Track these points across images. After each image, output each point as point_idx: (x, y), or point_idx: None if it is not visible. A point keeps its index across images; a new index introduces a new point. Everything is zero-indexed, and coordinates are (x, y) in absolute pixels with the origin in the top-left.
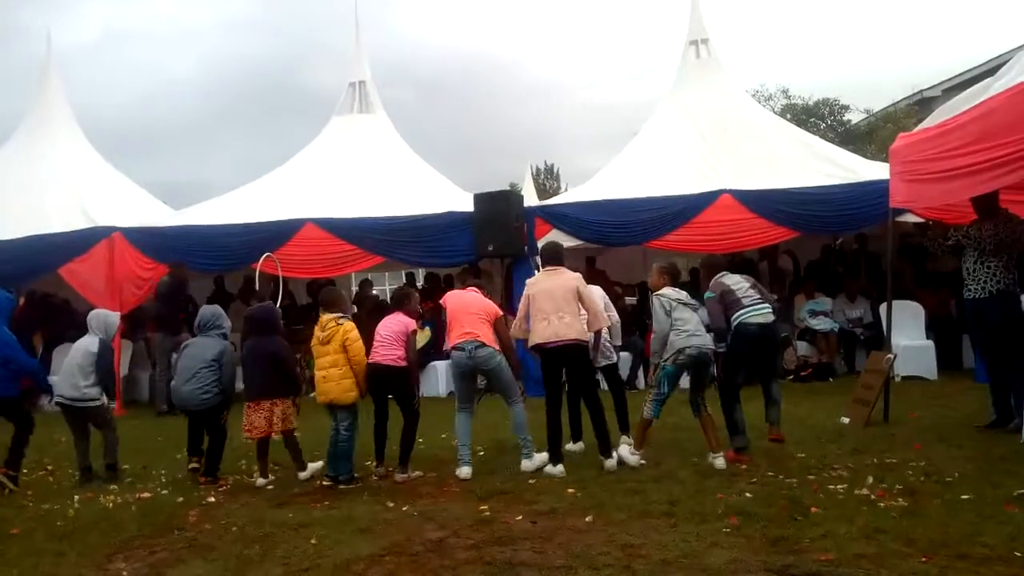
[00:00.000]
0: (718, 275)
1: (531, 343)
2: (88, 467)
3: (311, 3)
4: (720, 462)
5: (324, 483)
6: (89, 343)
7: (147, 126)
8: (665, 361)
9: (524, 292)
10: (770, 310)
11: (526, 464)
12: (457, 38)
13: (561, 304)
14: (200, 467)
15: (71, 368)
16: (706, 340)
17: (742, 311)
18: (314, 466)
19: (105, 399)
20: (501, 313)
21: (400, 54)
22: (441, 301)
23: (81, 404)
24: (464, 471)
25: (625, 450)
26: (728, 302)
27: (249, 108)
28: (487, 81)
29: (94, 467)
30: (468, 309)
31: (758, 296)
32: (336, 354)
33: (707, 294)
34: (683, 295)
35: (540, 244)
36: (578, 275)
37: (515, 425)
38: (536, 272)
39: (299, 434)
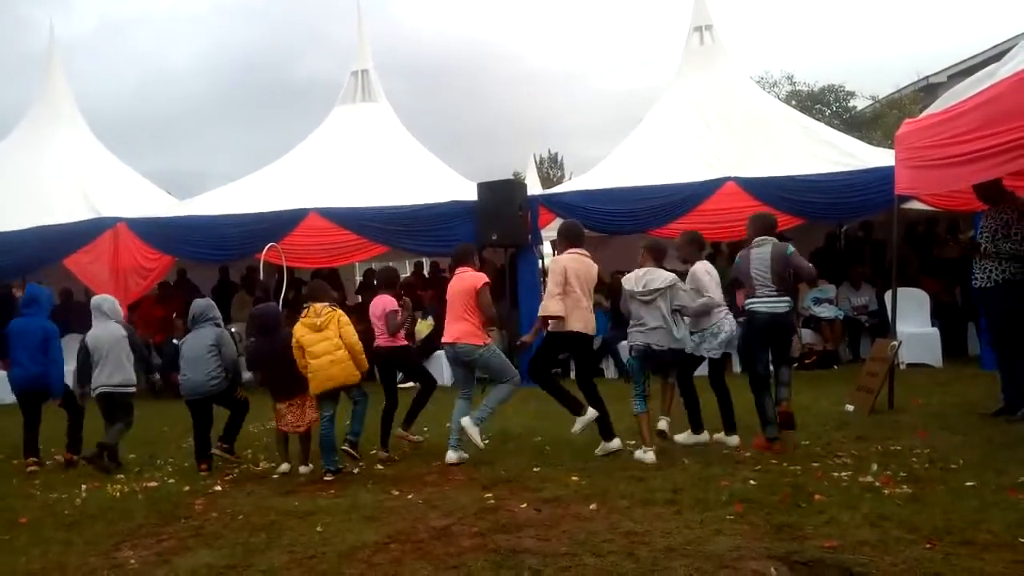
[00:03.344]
0: (762, 241)
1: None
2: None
3: None
4: (649, 456)
5: (344, 447)
6: (115, 329)
7: (145, 116)
8: (631, 355)
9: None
10: (775, 300)
11: (465, 421)
12: (459, 27)
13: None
14: (210, 469)
15: (117, 358)
16: (652, 338)
17: (753, 299)
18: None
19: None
20: (481, 283)
21: (402, 43)
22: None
23: (124, 390)
24: (450, 455)
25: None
26: (744, 280)
27: (249, 97)
28: (490, 70)
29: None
30: (453, 302)
31: (774, 286)
32: (336, 338)
33: (791, 249)
34: (638, 288)
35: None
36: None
37: (492, 391)
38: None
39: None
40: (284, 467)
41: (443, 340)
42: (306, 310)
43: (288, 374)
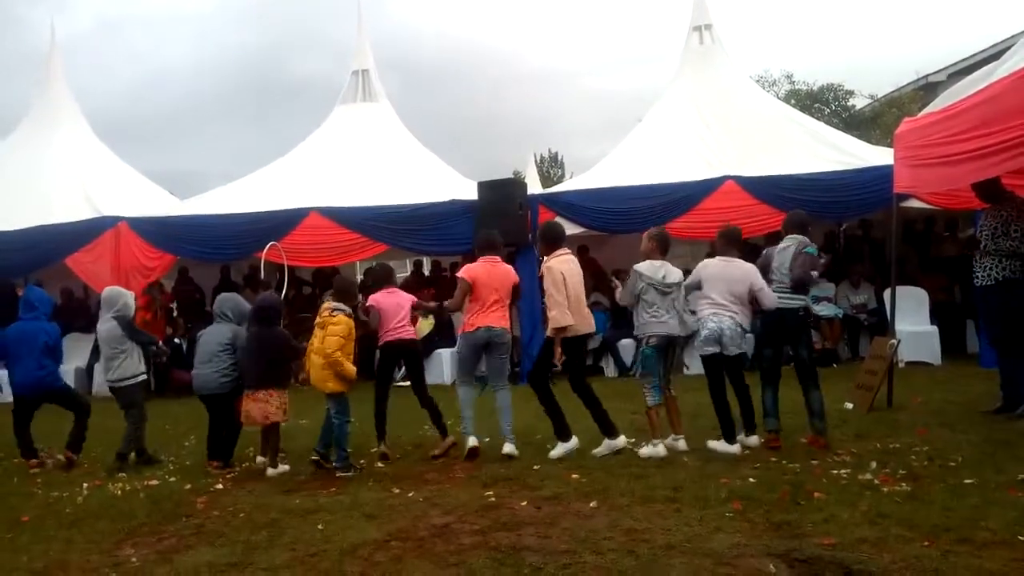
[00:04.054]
0: (792, 239)
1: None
2: (143, 449)
3: None
4: (681, 444)
5: (312, 458)
6: (108, 325)
7: (146, 115)
8: (643, 344)
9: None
10: (795, 298)
11: (508, 448)
12: (459, 27)
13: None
14: (224, 466)
15: (109, 353)
16: (671, 327)
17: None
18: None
19: (142, 375)
20: (518, 279)
21: (402, 43)
22: (461, 274)
23: (119, 384)
24: (472, 440)
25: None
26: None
27: (249, 96)
28: (490, 69)
29: (129, 454)
30: (493, 288)
31: (787, 283)
32: (319, 343)
33: (810, 249)
34: (657, 277)
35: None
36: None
37: (501, 410)
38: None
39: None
40: (260, 459)
41: (486, 322)
42: (325, 303)
43: (262, 365)
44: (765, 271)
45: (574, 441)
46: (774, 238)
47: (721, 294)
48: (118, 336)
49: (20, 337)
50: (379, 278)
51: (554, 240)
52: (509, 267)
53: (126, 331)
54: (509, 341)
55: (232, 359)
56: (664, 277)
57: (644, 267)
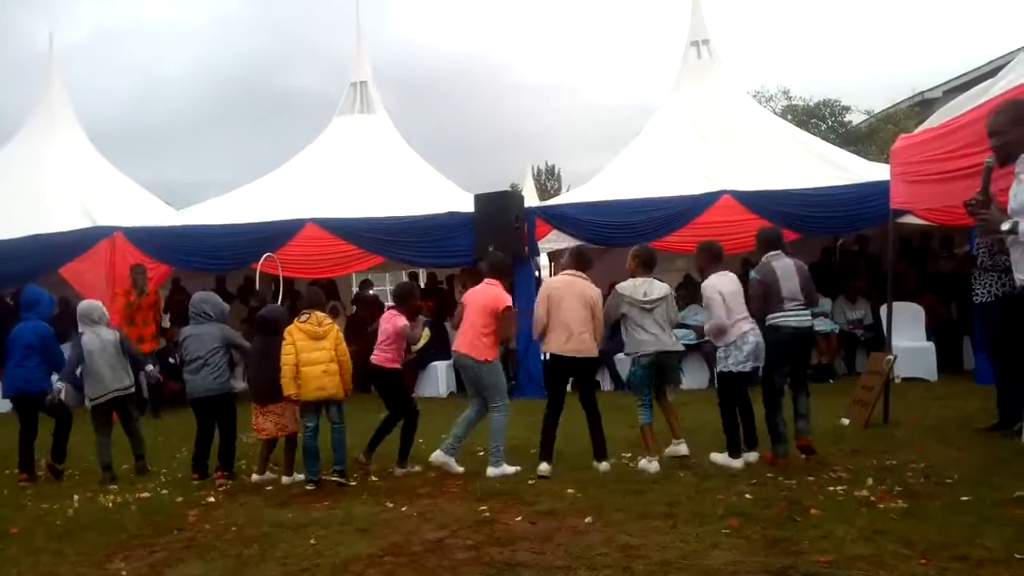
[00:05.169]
0: (771, 253)
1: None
2: (110, 464)
3: (307, 2)
4: (683, 448)
5: (333, 477)
6: (108, 335)
7: (143, 125)
8: (634, 364)
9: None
10: (809, 315)
11: (491, 471)
12: (457, 40)
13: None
14: (203, 479)
15: (111, 363)
16: (661, 343)
17: (781, 313)
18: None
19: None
20: (504, 306)
21: (400, 56)
22: (464, 299)
23: (125, 392)
24: (436, 455)
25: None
26: (771, 294)
27: (247, 107)
28: (488, 83)
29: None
30: (471, 310)
31: (802, 299)
32: (331, 350)
33: (752, 274)
34: (637, 296)
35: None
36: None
37: (490, 431)
38: (538, 272)
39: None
40: (256, 476)
41: (453, 347)
42: (307, 316)
43: (272, 378)
44: (767, 296)
45: (545, 467)
46: None
47: (746, 309)
48: (118, 345)
49: (16, 337)
50: (394, 296)
51: (569, 261)
52: (496, 292)
53: (123, 345)
54: (472, 366)
55: (226, 358)
56: (645, 294)
57: (625, 286)
